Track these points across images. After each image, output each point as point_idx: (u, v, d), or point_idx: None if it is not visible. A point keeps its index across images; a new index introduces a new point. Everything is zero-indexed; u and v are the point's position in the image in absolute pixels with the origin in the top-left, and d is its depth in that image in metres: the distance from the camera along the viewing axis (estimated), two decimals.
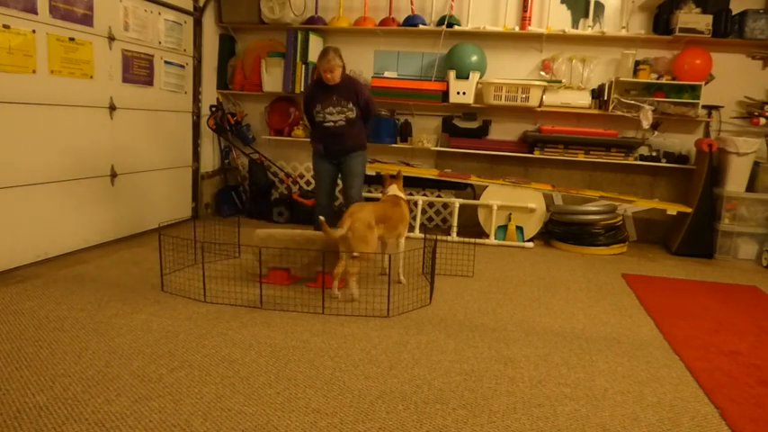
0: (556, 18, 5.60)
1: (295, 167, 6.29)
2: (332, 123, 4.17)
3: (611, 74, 5.56)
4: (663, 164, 5.48)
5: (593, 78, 5.59)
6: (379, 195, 5.46)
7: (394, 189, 3.99)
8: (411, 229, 5.47)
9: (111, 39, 4.44)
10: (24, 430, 1.95)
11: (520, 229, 5.27)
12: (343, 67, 4.15)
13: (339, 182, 4.51)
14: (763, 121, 5.21)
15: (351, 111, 4.16)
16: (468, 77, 5.51)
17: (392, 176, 4.11)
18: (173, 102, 5.33)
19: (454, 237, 5.28)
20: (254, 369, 2.48)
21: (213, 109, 5.83)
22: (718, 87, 5.38)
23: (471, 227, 5.69)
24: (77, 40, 4.09)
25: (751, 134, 5.32)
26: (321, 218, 3.42)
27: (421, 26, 5.63)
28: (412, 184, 5.77)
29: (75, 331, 2.81)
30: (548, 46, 5.69)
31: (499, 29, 5.54)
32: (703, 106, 5.28)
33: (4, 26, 3.53)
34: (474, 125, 5.83)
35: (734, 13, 5.13)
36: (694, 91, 5.24)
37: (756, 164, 5.07)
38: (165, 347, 2.67)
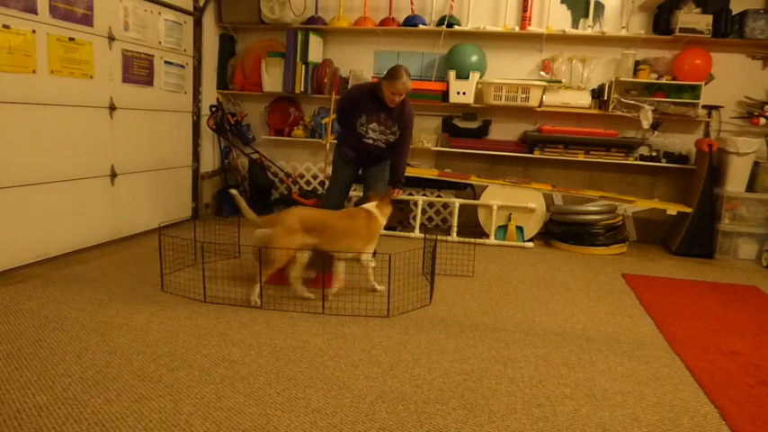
0: (556, 18, 5.59)
1: (295, 167, 6.29)
2: (371, 141, 3.88)
3: (611, 74, 5.56)
4: (663, 164, 5.48)
5: (593, 78, 5.59)
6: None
7: (370, 205, 3.64)
8: (411, 229, 5.48)
9: (111, 39, 4.44)
10: (24, 430, 1.95)
11: (520, 229, 5.27)
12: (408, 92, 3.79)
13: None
14: (763, 121, 5.21)
15: (394, 135, 3.88)
16: (468, 77, 5.51)
17: (378, 196, 3.78)
18: (173, 102, 5.33)
19: (454, 237, 5.27)
20: (254, 369, 2.48)
21: (213, 109, 5.83)
22: (718, 87, 5.38)
23: (471, 227, 5.69)
24: (77, 40, 4.09)
25: (751, 134, 5.32)
26: (233, 191, 3.40)
27: (421, 26, 5.63)
28: (412, 184, 5.77)
29: (75, 331, 2.81)
30: (548, 46, 5.69)
31: (499, 29, 5.54)
32: (703, 106, 5.28)
33: (4, 26, 3.53)
34: (474, 125, 5.83)
35: (734, 13, 5.13)
36: (694, 91, 5.24)
37: (756, 164, 5.07)
38: (165, 347, 2.67)
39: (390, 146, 3.96)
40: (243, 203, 3.38)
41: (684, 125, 5.54)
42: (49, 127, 3.93)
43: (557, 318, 3.33)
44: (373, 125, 3.85)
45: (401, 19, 5.75)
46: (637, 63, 5.44)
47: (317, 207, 3.87)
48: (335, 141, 4.29)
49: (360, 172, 4.25)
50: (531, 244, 5.23)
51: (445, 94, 5.63)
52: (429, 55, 5.87)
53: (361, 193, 4.49)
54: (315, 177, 6.24)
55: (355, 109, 3.88)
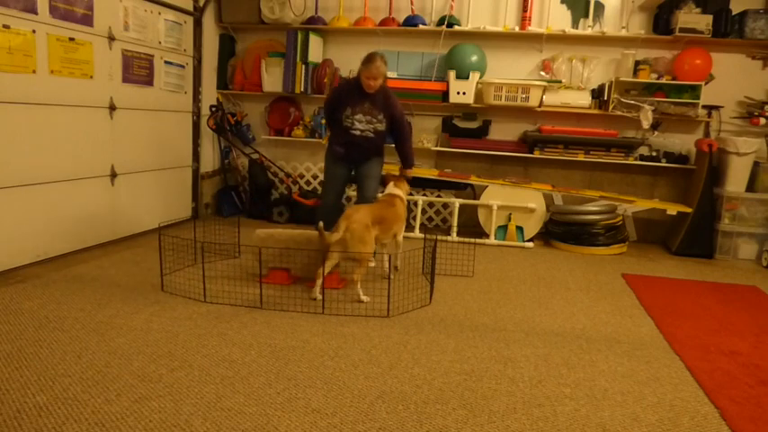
0: (556, 18, 5.59)
1: (295, 167, 6.29)
2: (359, 132, 3.98)
3: (611, 74, 5.56)
4: (663, 164, 5.48)
5: (593, 78, 5.59)
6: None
7: (391, 188, 3.97)
8: (411, 229, 5.48)
9: (111, 39, 4.44)
10: (24, 430, 1.95)
11: (520, 229, 5.27)
12: (385, 77, 3.98)
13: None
14: (763, 121, 5.21)
15: (381, 123, 3.99)
16: (468, 77, 5.51)
17: (393, 176, 4.10)
18: (173, 102, 5.33)
19: (454, 237, 5.27)
20: (254, 369, 2.48)
21: (213, 109, 5.83)
22: (718, 87, 5.38)
23: (471, 227, 5.69)
24: (77, 40, 4.09)
25: (751, 134, 5.32)
26: (320, 223, 3.37)
27: (421, 26, 5.63)
28: (412, 184, 5.76)
29: (75, 331, 2.81)
30: (548, 46, 5.69)
31: (499, 29, 5.54)
32: (703, 106, 5.28)
33: (4, 26, 3.53)
34: (474, 125, 5.83)
35: (734, 13, 5.13)
36: (694, 91, 5.24)
37: (756, 164, 5.07)
38: (165, 347, 2.67)
39: (379, 135, 4.03)
40: (323, 233, 3.37)
41: (684, 125, 5.54)
42: (49, 127, 3.93)
43: (557, 318, 3.33)
44: (359, 116, 3.95)
45: (401, 19, 5.75)
46: (637, 63, 5.43)
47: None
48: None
49: (353, 173, 4.26)
50: (531, 244, 5.23)
51: (445, 94, 5.63)
52: (429, 55, 5.87)
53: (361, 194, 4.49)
54: (315, 177, 6.23)
55: (340, 104, 4.01)
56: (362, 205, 3.65)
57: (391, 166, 5.49)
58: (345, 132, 4.01)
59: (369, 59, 3.86)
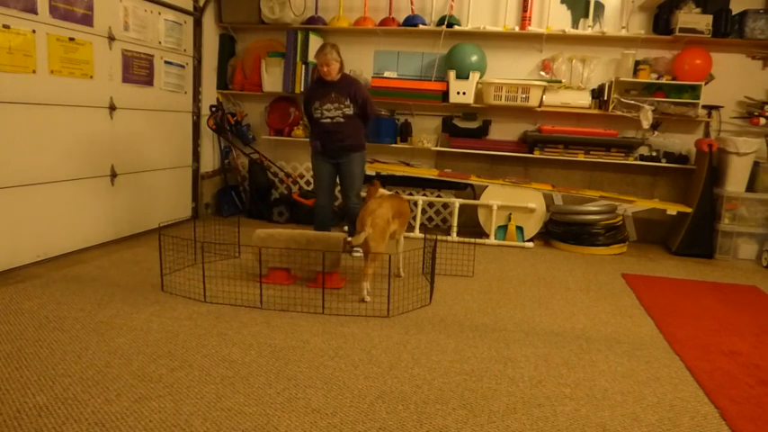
0: (556, 18, 5.59)
1: (295, 167, 6.29)
2: (329, 120, 4.22)
3: (611, 74, 5.56)
4: (663, 164, 5.48)
5: (593, 78, 5.59)
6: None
7: (384, 191, 3.97)
8: (411, 229, 5.48)
9: (111, 39, 4.44)
10: (24, 430, 1.95)
11: (520, 229, 5.27)
12: (341, 64, 4.21)
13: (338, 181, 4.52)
14: (763, 121, 5.21)
15: (348, 107, 4.20)
16: (468, 77, 5.51)
17: (372, 183, 4.05)
18: (173, 102, 5.33)
19: (454, 237, 5.27)
20: (254, 369, 2.48)
21: (213, 109, 5.83)
22: (718, 87, 5.38)
23: (471, 227, 5.69)
24: (77, 40, 4.09)
25: (751, 134, 5.32)
26: (347, 237, 3.50)
27: (421, 26, 5.63)
28: (412, 184, 5.77)
29: (75, 331, 2.81)
30: (548, 46, 5.69)
31: (499, 29, 5.54)
32: (703, 106, 5.28)
33: (4, 26, 3.53)
34: (474, 125, 5.83)
35: (734, 13, 5.13)
36: (694, 91, 5.24)
37: (756, 164, 5.07)
38: (165, 347, 2.67)
39: (348, 119, 4.22)
40: (357, 238, 3.41)
41: (684, 125, 5.54)
42: (49, 127, 3.93)
43: (557, 318, 3.33)
44: (327, 106, 4.21)
45: (401, 19, 5.75)
46: (637, 63, 5.43)
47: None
48: None
49: (337, 172, 4.40)
50: (531, 244, 5.23)
51: (445, 94, 5.63)
52: (429, 55, 5.87)
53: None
54: None
55: (311, 100, 4.30)
56: (383, 199, 3.69)
57: (388, 166, 5.51)
58: (317, 124, 4.27)
59: (320, 49, 4.16)
